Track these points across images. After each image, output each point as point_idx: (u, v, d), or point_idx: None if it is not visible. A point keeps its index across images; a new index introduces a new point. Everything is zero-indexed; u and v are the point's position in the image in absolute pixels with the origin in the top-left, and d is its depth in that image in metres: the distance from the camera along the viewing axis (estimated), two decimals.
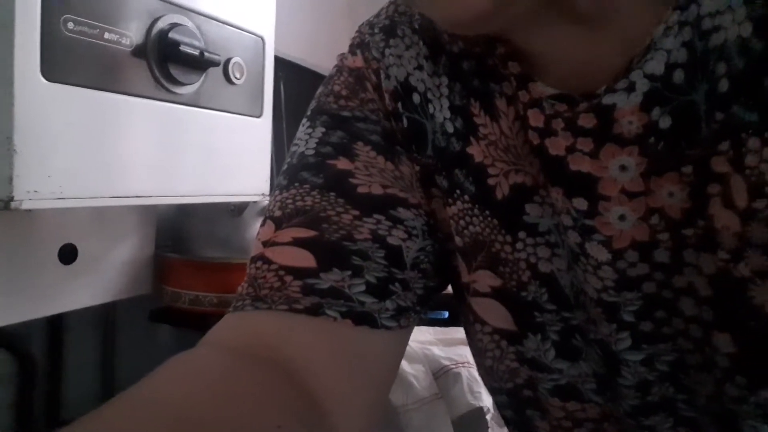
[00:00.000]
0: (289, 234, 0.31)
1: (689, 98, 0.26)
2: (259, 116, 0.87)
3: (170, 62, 0.69)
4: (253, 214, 1.04)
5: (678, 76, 0.26)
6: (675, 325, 0.28)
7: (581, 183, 0.28)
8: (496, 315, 0.33)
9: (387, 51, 0.35)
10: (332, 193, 0.32)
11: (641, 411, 0.30)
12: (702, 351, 0.28)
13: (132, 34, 0.65)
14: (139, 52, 0.66)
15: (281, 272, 0.31)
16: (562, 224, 0.30)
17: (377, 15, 0.38)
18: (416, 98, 0.34)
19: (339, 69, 0.37)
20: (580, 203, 0.29)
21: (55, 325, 0.93)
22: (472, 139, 0.32)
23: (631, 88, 0.26)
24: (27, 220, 0.76)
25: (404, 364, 0.88)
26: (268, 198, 0.94)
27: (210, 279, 1.02)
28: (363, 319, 0.30)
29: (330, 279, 0.30)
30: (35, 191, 0.57)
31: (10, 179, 0.55)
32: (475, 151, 0.32)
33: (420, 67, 0.34)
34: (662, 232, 0.27)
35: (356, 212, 0.31)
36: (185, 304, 1.01)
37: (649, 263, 0.28)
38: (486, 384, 0.37)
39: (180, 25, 0.71)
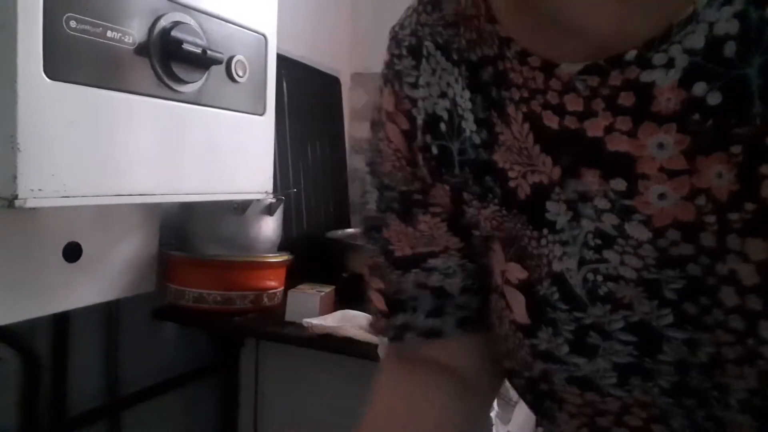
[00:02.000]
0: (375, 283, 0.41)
1: (741, 72, 0.25)
2: (261, 114, 0.88)
3: (173, 60, 0.69)
4: (256, 212, 1.04)
5: (729, 48, 0.25)
6: (715, 315, 0.28)
7: (619, 163, 0.28)
8: (519, 306, 0.34)
9: (420, 80, 0.36)
10: (382, 257, 0.40)
11: (680, 390, 0.30)
12: (743, 343, 0.27)
13: (134, 32, 0.65)
14: (141, 50, 0.66)
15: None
16: (597, 208, 0.30)
17: (401, 25, 0.38)
18: (442, 126, 0.36)
19: (378, 111, 0.39)
20: (618, 184, 0.29)
21: (60, 323, 0.93)
22: (495, 147, 0.34)
23: (670, 65, 0.26)
24: (31, 219, 0.76)
25: None
26: (270, 196, 0.94)
27: (214, 277, 1.02)
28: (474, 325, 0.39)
29: (399, 320, 0.39)
30: (39, 189, 0.57)
31: (14, 178, 0.55)
32: (498, 157, 0.34)
33: (443, 95, 0.35)
34: (709, 215, 0.27)
35: (399, 272, 0.39)
36: (189, 302, 1.02)
37: (695, 245, 0.27)
38: (506, 366, 0.37)
39: (182, 23, 0.71)
